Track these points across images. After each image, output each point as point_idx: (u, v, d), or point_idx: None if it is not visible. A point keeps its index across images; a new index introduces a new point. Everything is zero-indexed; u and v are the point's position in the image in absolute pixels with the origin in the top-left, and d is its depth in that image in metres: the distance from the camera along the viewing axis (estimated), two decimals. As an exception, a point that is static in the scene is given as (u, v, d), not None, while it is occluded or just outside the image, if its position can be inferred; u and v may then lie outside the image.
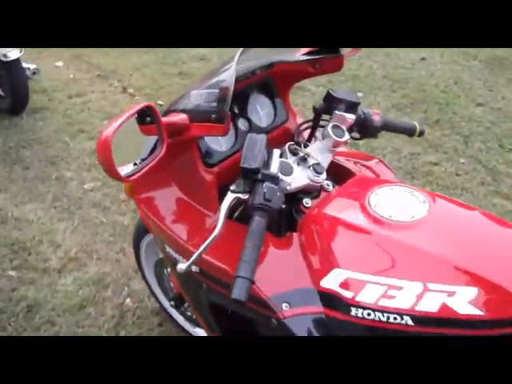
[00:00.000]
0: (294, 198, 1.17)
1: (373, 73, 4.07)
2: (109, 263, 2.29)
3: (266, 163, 1.05)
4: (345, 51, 1.35)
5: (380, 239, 1.01)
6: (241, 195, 1.02)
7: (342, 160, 1.38)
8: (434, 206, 1.05)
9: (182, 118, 1.08)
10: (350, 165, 1.37)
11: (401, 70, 4.11)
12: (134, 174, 0.96)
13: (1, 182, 2.81)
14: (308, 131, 1.39)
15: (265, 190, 0.98)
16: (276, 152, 1.10)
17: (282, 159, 1.12)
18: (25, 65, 3.35)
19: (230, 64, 1.09)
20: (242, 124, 1.34)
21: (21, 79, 3.33)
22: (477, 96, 3.72)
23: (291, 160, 1.17)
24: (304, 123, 1.39)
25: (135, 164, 1.06)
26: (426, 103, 3.61)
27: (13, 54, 3.15)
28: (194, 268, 1.19)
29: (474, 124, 3.37)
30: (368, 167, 1.39)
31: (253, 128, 1.34)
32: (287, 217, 1.18)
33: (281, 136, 1.40)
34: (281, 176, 1.06)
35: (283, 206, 1.03)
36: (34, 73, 3.42)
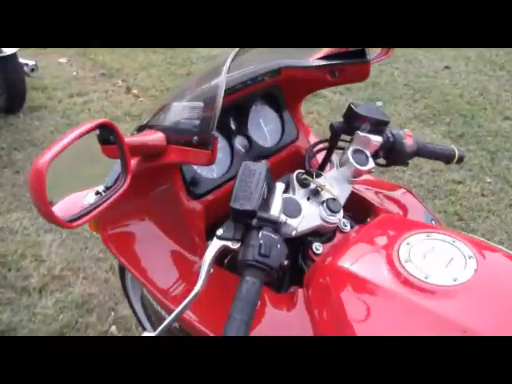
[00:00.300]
0: (300, 241, 0.93)
1: (394, 80, 3.82)
2: (96, 284, 2.07)
3: (266, 201, 0.79)
4: (371, 56, 1.11)
5: (411, 308, 0.76)
6: (230, 243, 0.76)
7: (361, 190, 1.13)
8: (483, 264, 0.80)
9: (156, 137, 0.83)
10: (371, 195, 1.13)
11: (423, 79, 3.85)
12: (79, 218, 0.68)
13: (-13, 187, 2.59)
14: (322, 153, 1.14)
15: (261, 241, 0.72)
16: (279, 186, 0.84)
17: (288, 195, 0.88)
18: (22, 60, 3.16)
19: (222, 68, 0.83)
20: (239, 143, 1.07)
21: (17, 75, 3.14)
22: (504, 109, 3.47)
23: (299, 194, 0.92)
24: (318, 143, 1.13)
25: (98, 193, 0.83)
26: (450, 115, 3.36)
27: (8, 48, 2.94)
28: (174, 323, 0.95)
29: (502, 139, 3.13)
30: (393, 199, 1.14)
31: (253, 148, 1.08)
32: (291, 266, 0.93)
33: (289, 158, 1.14)
34: (284, 219, 0.82)
35: (285, 262, 0.77)
36: (32, 69, 3.23)
